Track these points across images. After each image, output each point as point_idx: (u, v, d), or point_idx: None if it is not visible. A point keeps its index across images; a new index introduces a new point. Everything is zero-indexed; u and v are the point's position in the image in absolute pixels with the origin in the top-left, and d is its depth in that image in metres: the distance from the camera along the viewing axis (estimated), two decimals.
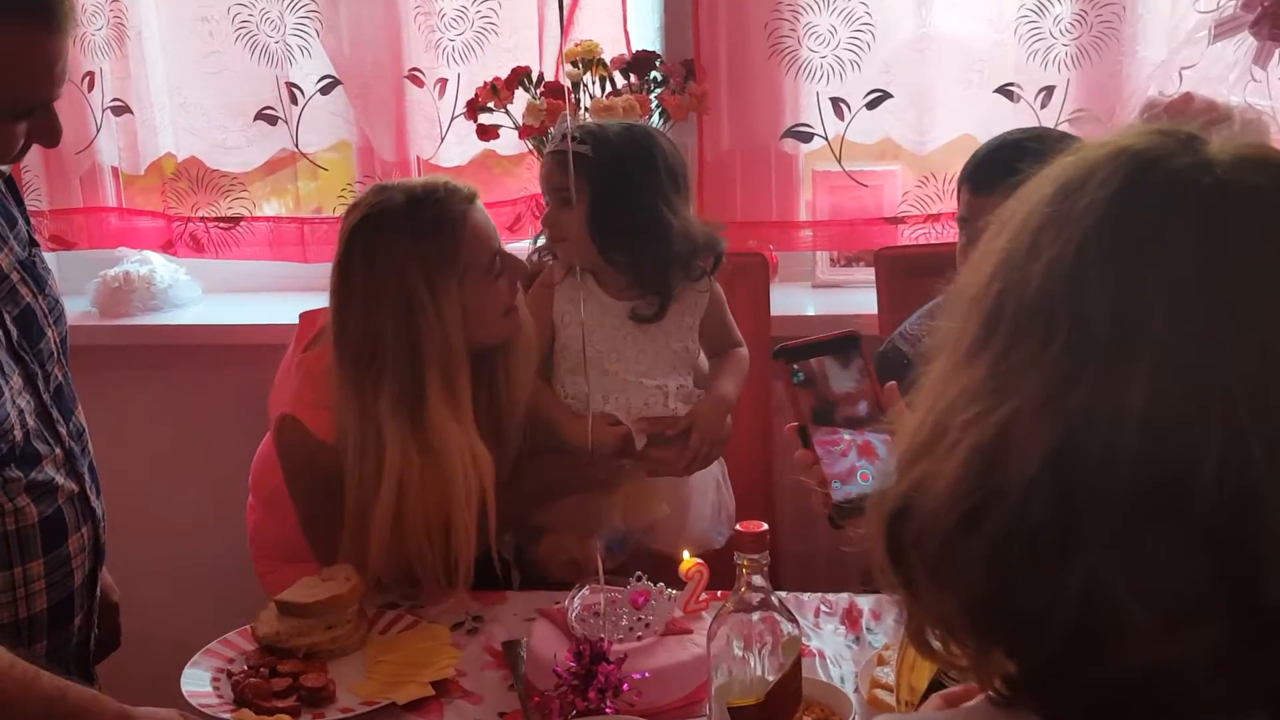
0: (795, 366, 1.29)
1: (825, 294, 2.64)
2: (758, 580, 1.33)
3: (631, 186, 1.96)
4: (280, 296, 2.73)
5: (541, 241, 2.11)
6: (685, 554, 1.69)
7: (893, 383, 1.28)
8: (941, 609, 0.77)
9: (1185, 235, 0.73)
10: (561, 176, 1.93)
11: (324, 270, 2.63)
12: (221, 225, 2.66)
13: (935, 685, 1.21)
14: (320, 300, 2.62)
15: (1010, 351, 0.75)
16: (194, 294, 2.73)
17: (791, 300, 2.57)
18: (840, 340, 1.32)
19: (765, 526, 1.34)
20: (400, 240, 1.77)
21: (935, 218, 2.54)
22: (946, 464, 0.75)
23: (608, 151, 1.96)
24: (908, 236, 2.54)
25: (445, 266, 1.78)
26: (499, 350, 1.91)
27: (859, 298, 2.55)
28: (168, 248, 2.70)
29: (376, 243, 1.78)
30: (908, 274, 2.37)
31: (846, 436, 1.28)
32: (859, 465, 1.27)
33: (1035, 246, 0.76)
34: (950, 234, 2.48)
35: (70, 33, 1.53)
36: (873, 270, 2.48)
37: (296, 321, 2.55)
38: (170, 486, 2.72)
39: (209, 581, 2.53)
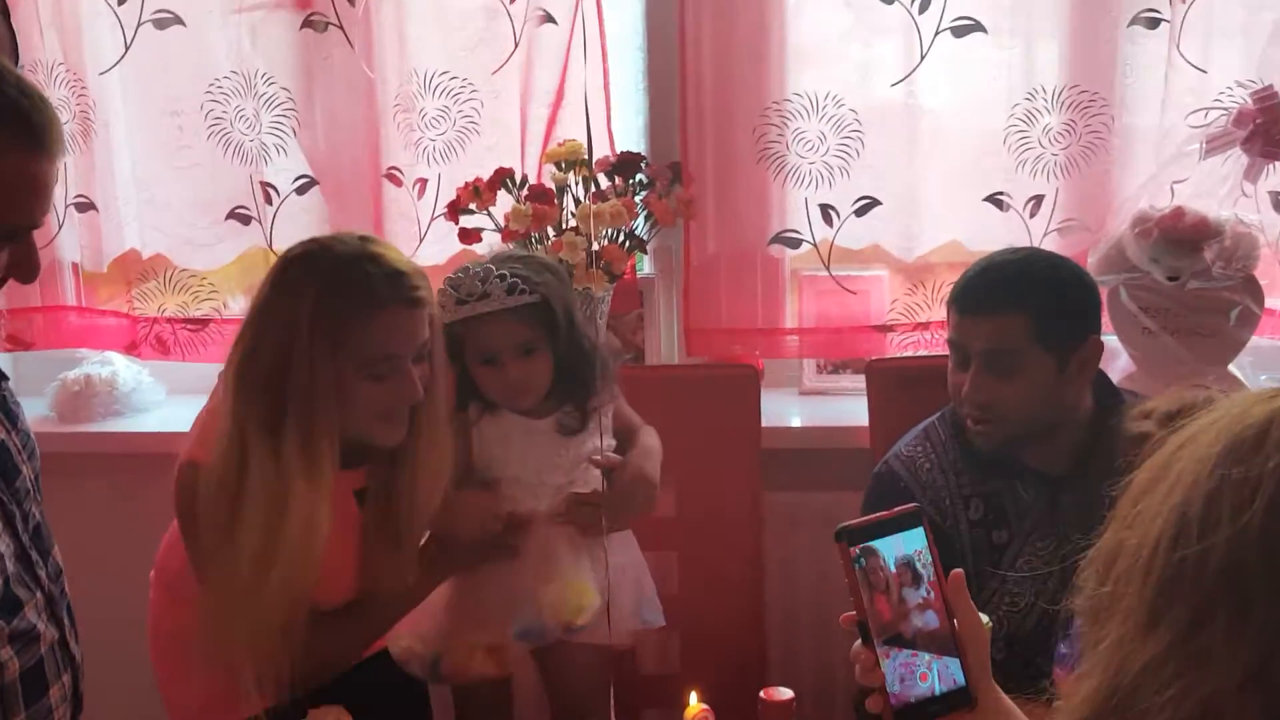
0: (856, 551, 1.23)
1: (812, 401, 2.68)
2: None
3: (573, 324, 2.03)
4: None
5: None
6: (692, 698, 1.70)
7: (958, 571, 1.27)
8: None
9: None
10: (524, 331, 1.97)
11: None
12: (189, 327, 2.66)
13: None
14: None
15: (1199, 624, 0.74)
16: (158, 397, 2.72)
17: (778, 408, 2.61)
18: (903, 518, 1.27)
19: (790, 694, 1.35)
20: (315, 279, 1.79)
21: (924, 326, 2.59)
22: None
23: (550, 294, 1.99)
24: (896, 344, 2.59)
25: (330, 330, 1.78)
26: (403, 455, 1.92)
27: (847, 406, 2.60)
28: (131, 349, 2.69)
29: (295, 269, 1.82)
30: (900, 386, 2.42)
31: (908, 649, 1.25)
32: (918, 665, 1.25)
33: (1212, 514, 0.75)
34: (940, 343, 2.53)
35: (59, 159, 1.55)
36: (861, 377, 2.52)
37: None
38: (134, 602, 2.67)
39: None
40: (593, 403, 2.04)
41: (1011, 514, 2.02)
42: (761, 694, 1.36)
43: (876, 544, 1.24)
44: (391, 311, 1.81)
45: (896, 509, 1.27)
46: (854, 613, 1.24)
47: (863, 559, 1.23)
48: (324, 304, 1.78)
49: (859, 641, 1.25)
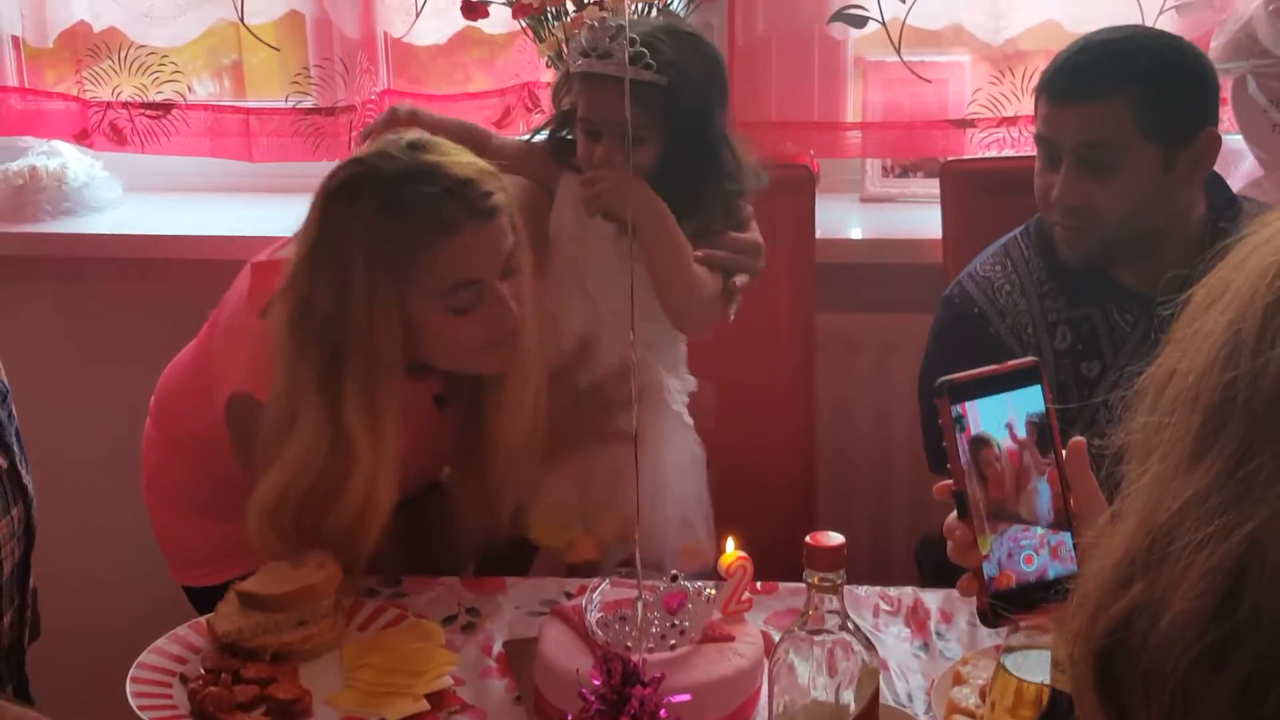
0: (960, 409, 1.17)
1: (876, 210, 2.62)
2: (831, 602, 1.31)
3: (707, 125, 1.96)
4: (219, 199, 2.68)
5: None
6: (729, 544, 1.68)
7: (1078, 440, 1.21)
8: None
9: None
10: (635, 113, 1.86)
11: (273, 170, 2.61)
12: (149, 113, 2.59)
13: None
14: (272, 214, 2.60)
15: (1247, 454, 0.72)
16: (114, 194, 2.67)
17: (835, 218, 2.54)
18: (1019, 373, 1.20)
19: (840, 539, 1.31)
20: (363, 215, 1.70)
21: (1012, 121, 2.50)
22: (1177, 590, 0.72)
23: (683, 81, 1.91)
24: (978, 143, 2.51)
25: (390, 267, 1.70)
26: (488, 387, 1.87)
27: (917, 216, 2.54)
28: (82, 138, 2.64)
29: (342, 202, 1.72)
30: (980, 192, 2.36)
31: (1018, 524, 1.19)
32: (1025, 544, 1.19)
33: (1268, 329, 0.73)
34: (1029, 142, 2.44)
35: None
36: (933, 182, 2.45)
37: (240, 232, 2.55)
38: (86, 425, 2.67)
39: (137, 543, 2.50)
40: (692, 224, 1.97)
41: (1105, 342, 1.97)
42: (808, 539, 1.32)
43: (984, 402, 1.18)
44: (465, 233, 1.71)
45: (1010, 363, 1.20)
46: (950, 482, 1.19)
47: (965, 419, 1.18)
48: (380, 240, 1.69)
49: (954, 514, 1.20)
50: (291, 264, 1.75)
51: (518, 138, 2.26)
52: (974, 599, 1.21)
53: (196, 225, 2.59)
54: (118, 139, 2.61)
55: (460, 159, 1.75)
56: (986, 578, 1.18)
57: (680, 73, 1.91)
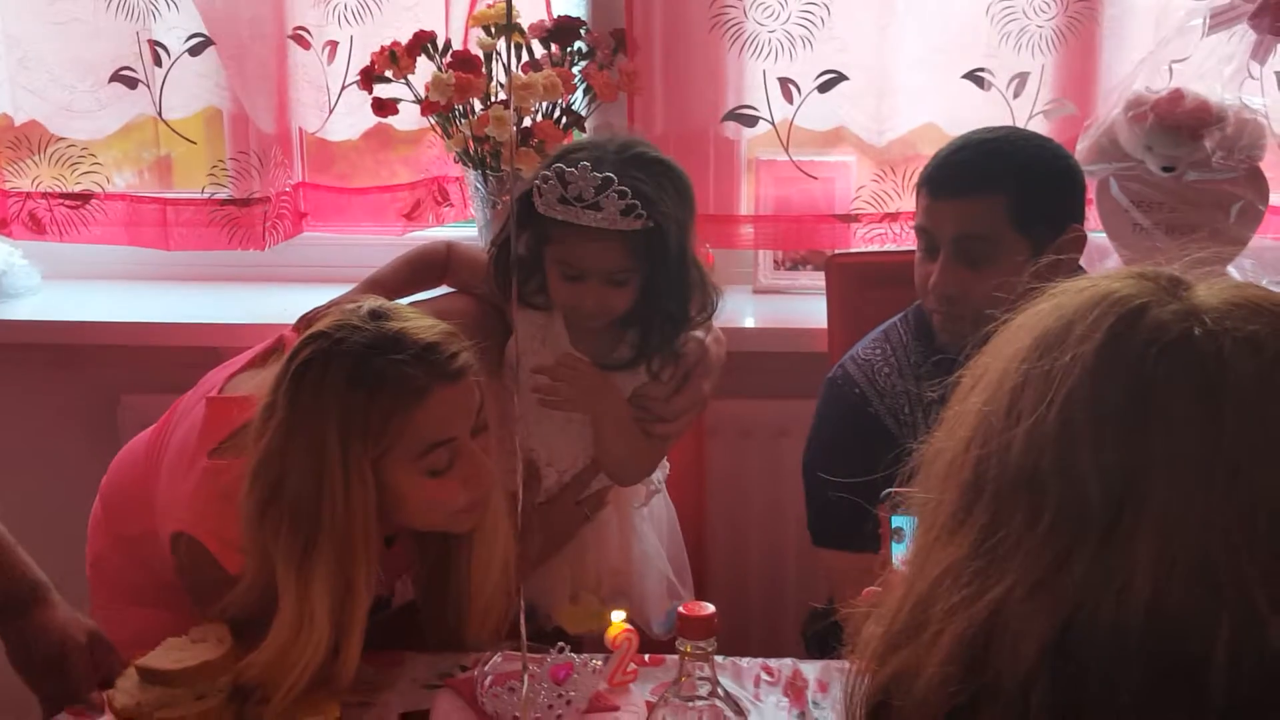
0: (900, 524, 1.20)
1: (768, 300, 2.66)
2: (703, 670, 1.34)
3: (684, 256, 1.95)
4: (135, 286, 2.69)
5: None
6: (615, 616, 1.70)
7: None
8: None
9: (1180, 395, 0.74)
10: (624, 259, 1.90)
11: (189, 259, 2.63)
12: (68, 203, 2.60)
13: None
14: (187, 300, 2.61)
15: (995, 527, 0.76)
16: (32, 281, 2.67)
17: (729, 307, 2.51)
18: None
19: (712, 609, 1.35)
20: (334, 389, 1.67)
21: (893, 217, 2.57)
22: (930, 656, 0.75)
23: (668, 222, 1.90)
24: (861, 237, 2.57)
25: (365, 438, 1.68)
26: (455, 544, 1.85)
27: (805, 306, 2.58)
28: (2, 228, 2.64)
29: (310, 379, 1.69)
30: (863, 284, 2.40)
31: None
32: None
33: (1014, 409, 0.77)
34: (910, 237, 2.51)
35: None
36: (821, 275, 2.50)
37: (156, 318, 2.56)
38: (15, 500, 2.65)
39: None
40: (662, 350, 1.99)
41: None
42: (681, 608, 1.35)
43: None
44: (435, 395, 1.69)
45: None
46: (878, 588, 1.22)
47: (903, 533, 1.20)
48: (352, 412, 1.66)
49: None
50: (259, 448, 1.71)
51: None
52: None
53: (113, 312, 2.59)
54: (36, 228, 2.61)
55: (422, 323, 1.74)
56: None
57: (664, 214, 1.89)
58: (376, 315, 1.73)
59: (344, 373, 1.68)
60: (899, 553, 1.21)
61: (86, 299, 2.65)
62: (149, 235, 2.60)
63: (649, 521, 2.16)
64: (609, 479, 2.07)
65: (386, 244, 2.59)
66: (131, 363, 2.59)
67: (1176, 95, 2.31)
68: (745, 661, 1.86)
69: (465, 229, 2.61)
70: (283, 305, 2.52)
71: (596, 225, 1.87)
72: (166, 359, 2.55)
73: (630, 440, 2.03)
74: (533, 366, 2.00)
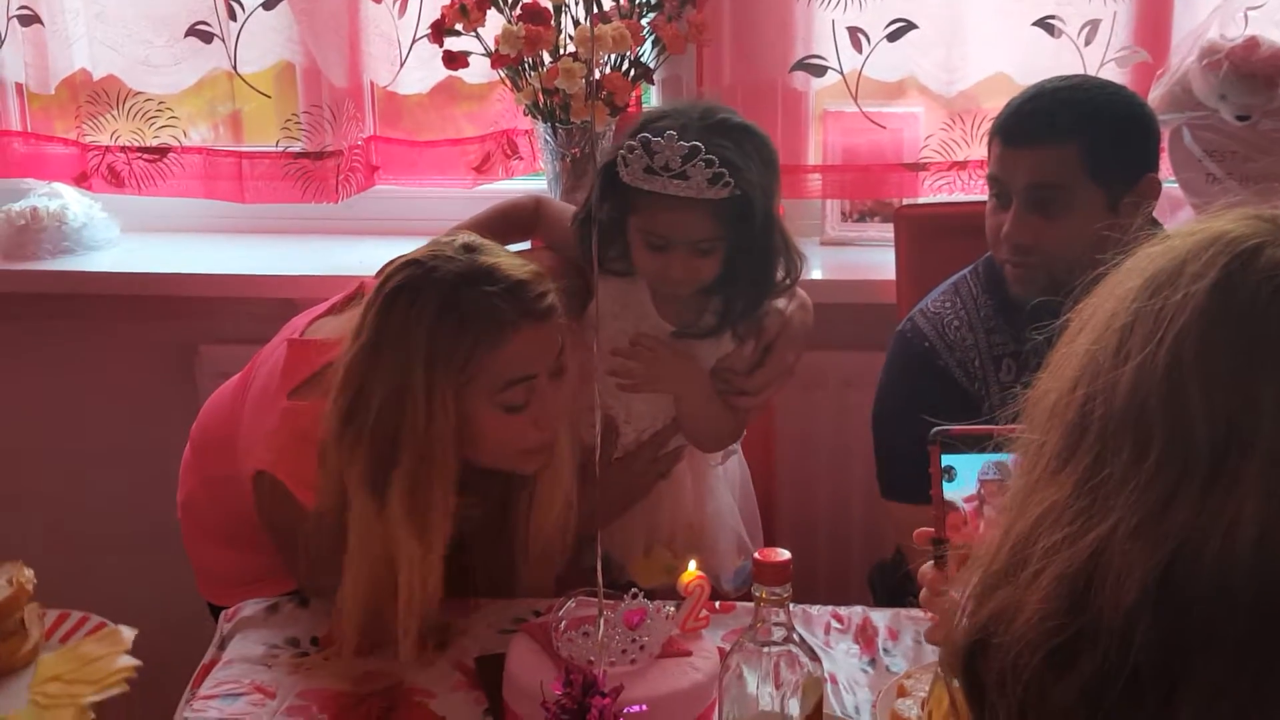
0: (951, 464, 1.18)
1: (835, 252, 2.65)
2: (778, 615, 1.34)
3: (770, 222, 1.93)
4: (212, 239, 2.71)
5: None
6: (692, 564, 1.70)
7: None
8: None
9: None
10: (710, 227, 1.88)
11: (264, 212, 2.65)
12: (146, 157, 2.62)
13: None
14: (261, 253, 2.63)
15: (1099, 466, 0.75)
16: (111, 234, 2.69)
17: None
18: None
19: (787, 555, 1.35)
20: (424, 316, 1.69)
21: (961, 165, 2.54)
22: (1030, 594, 0.75)
23: (754, 189, 1.88)
24: (929, 186, 2.55)
25: (449, 369, 1.69)
26: (518, 486, 1.86)
27: (873, 257, 2.56)
28: (81, 181, 2.66)
29: (401, 304, 1.70)
30: (931, 236, 2.38)
31: None
32: None
33: (1122, 348, 0.76)
34: (978, 186, 2.49)
35: None
36: (888, 227, 2.49)
37: (231, 270, 2.58)
38: (84, 454, 2.70)
39: (131, 560, 2.53)
40: (747, 317, 1.98)
41: None
42: (757, 555, 1.35)
43: (975, 457, 1.19)
44: (521, 332, 1.71)
45: (1007, 427, 1.20)
46: (930, 529, 1.21)
47: (954, 471, 1.18)
48: (440, 340, 1.68)
49: (930, 562, 1.22)
50: (344, 365, 1.73)
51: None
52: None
53: (189, 263, 2.61)
54: (115, 181, 2.63)
55: (514, 260, 1.75)
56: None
57: (750, 182, 1.87)
58: (470, 248, 1.74)
59: (434, 301, 1.69)
60: (950, 492, 1.19)
61: (164, 251, 2.67)
62: (225, 188, 2.62)
63: (724, 479, 2.16)
64: (689, 442, 2.08)
65: (457, 197, 2.60)
66: (209, 314, 2.62)
67: (1252, 43, 2.26)
68: (816, 609, 1.86)
69: (535, 181, 2.61)
70: (356, 257, 2.55)
71: (683, 195, 1.85)
72: (243, 310, 2.58)
73: (712, 413, 2.03)
74: (611, 349, 2.00)
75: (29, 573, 1.75)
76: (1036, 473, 0.79)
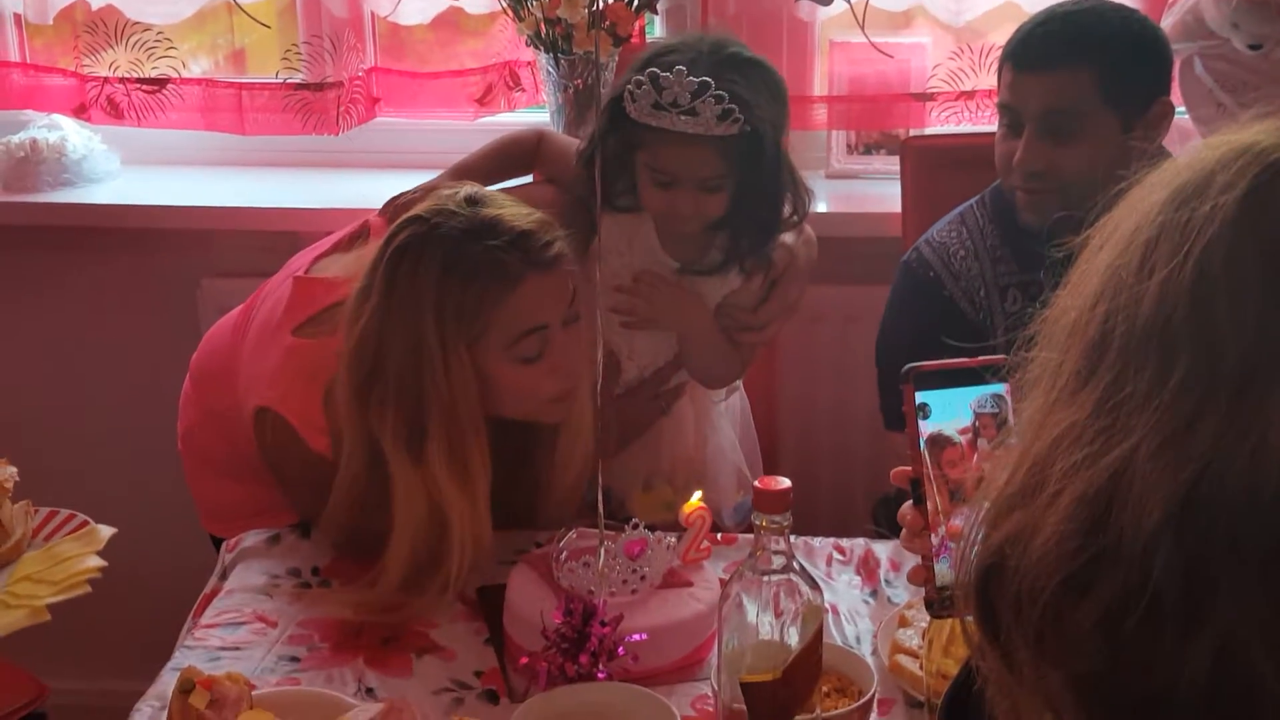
0: (925, 401, 1.16)
1: (841, 185, 2.61)
2: (777, 543, 1.33)
3: (779, 159, 1.91)
4: (213, 171, 2.68)
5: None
6: (696, 495, 1.70)
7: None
8: (1044, 685, 0.75)
9: None
10: (718, 165, 1.86)
11: (265, 145, 2.62)
12: (145, 88, 2.59)
13: (968, 673, 1.22)
14: (263, 186, 2.61)
15: (1120, 384, 0.73)
16: (111, 166, 2.66)
17: None
18: (986, 369, 1.16)
19: (788, 483, 1.33)
20: (430, 273, 1.67)
21: (969, 95, 2.51)
22: (1048, 516, 0.73)
23: (763, 125, 1.85)
24: (937, 116, 2.51)
25: (460, 324, 1.68)
26: (539, 437, 1.84)
27: (880, 190, 2.54)
28: (81, 112, 2.63)
29: (407, 263, 1.69)
30: (938, 167, 2.36)
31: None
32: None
33: (1147, 262, 0.74)
34: (987, 116, 2.46)
35: None
36: (895, 159, 2.46)
37: (233, 203, 2.56)
38: (84, 389, 2.69)
39: (132, 495, 2.52)
40: (753, 254, 1.97)
41: None
42: (757, 483, 1.34)
43: (948, 393, 1.17)
44: (529, 283, 1.69)
45: (979, 359, 1.18)
46: (908, 468, 1.19)
47: (928, 408, 1.16)
48: (448, 297, 1.67)
49: (910, 501, 1.21)
50: (358, 329, 1.72)
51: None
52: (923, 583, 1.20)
53: (190, 196, 2.59)
54: (114, 113, 2.60)
55: (518, 210, 1.73)
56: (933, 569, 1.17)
57: (760, 118, 1.84)
58: (472, 201, 1.72)
59: (440, 258, 1.67)
60: (931, 428, 1.17)
61: (165, 184, 2.64)
62: (225, 120, 2.59)
63: (727, 415, 2.15)
64: (696, 382, 2.06)
65: (459, 130, 2.57)
66: (211, 247, 2.60)
67: None
68: (818, 541, 1.86)
69: (537, 114, 2.58)
70: (358, 190, 2.52)
71: (692, 131, 1.82)
72: (245, 243, 2.56)
73: (716, 350, 2.02)
74: (614, 285, 1.97)
75: (11, 470, 1.74)
76: (1055, 393, 0.77)
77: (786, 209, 1.97)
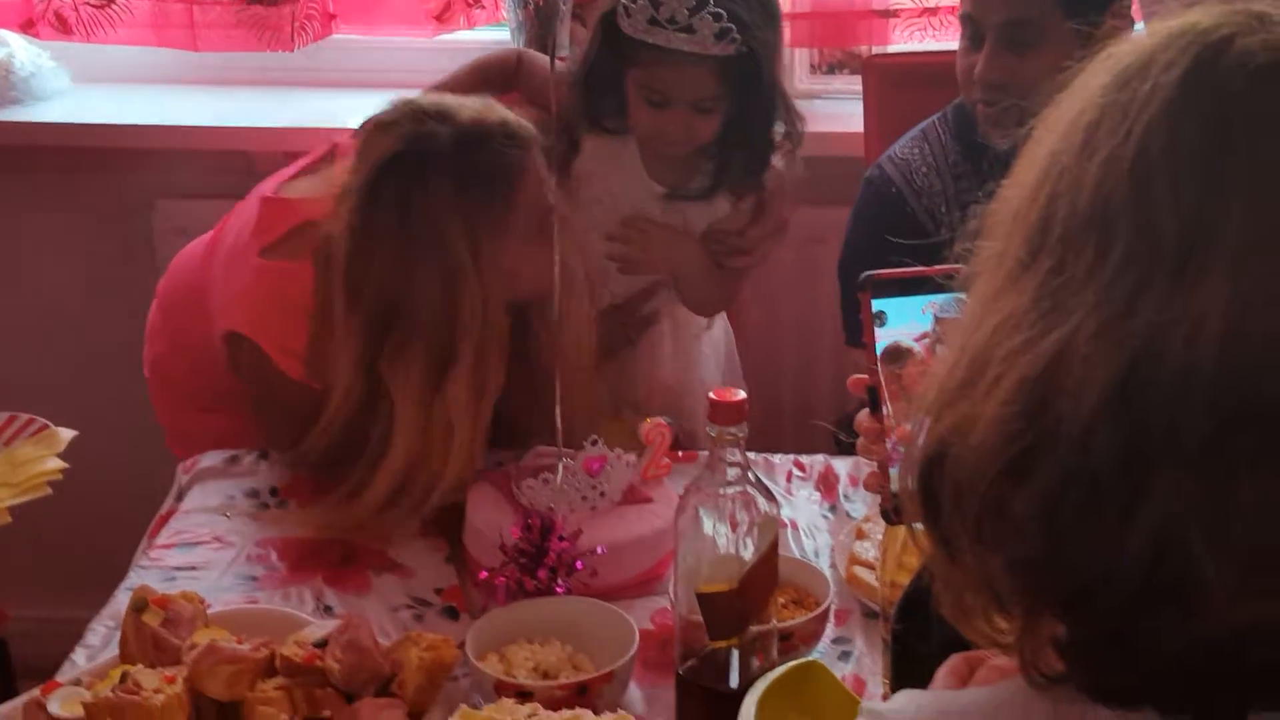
0: (882, 309, 1.16)
1: (803, 105, 2.55)
2: (733, 455, 1.33)
3: (773, 81, 1.89)
4: (167, 90, 2.64)
5: None
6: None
7: None
8: (985, 571, 0.75)
9: (1265, 120, 0.70)
10: (713, 85, 1.83)
11: (220, 63, 2.57)
12: (94, 2, 2.53)
13: (920, 581, 1.23)
14: (218, 105, 2.56)
15: (1061, 269, 0.72)
16: (61, 84, 2.61)
17: None
18: (946, 277, 1.17)
19: (743, 395, 1.33)
20: (444, 191, 1.65)
21: (933, 11, 2.50)
22: (988, 404, 0.72)
23: (760, 46, 1.83)
24: (901, 33, 2.50)
25: (493, 230, 1.66)
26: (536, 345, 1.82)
27: (843, 109, 2.52)
28: (28, 28, 2.57)
29: (416, 193, 1.66)
30: (900, 87, 2.35)
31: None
32: None
33: (1088, 145, 0.73)
34: (950, 33, 2.44)
35: None
36: (858, 80, 2.44)
37: (187, 122, 2.52)
38: (36, 311, 2.65)
39: (89, 412, 2.49)
40: (742, 180, 1.95)
41: None
42: (712, 394, 1.33)
43: (906, 301, 1.16)
44: (530, 167, 1.70)
45: (937, 267, 1.14)
46: (864, 376, 1.18)
47: (886, 315, 1.16)
48: (476, 213, 1.65)
49: (866, 410, 1.20)
50: (371, 287, 1.68)
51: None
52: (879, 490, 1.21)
53: (144, 115, 2.54)
54: (62, 28, 2.54)
55: (477, 104, 1.72)
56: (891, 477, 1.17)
57: (757, 38, 1.82)
58: (440, 116, 1.69)
59: (449, 178, 1.65)
60: (894, 335, 1.17)
61: (117, 103, 2.60)
62: (176, 36, 2.53)
63: (710, 345, 2.14)
64: (678, 313, 2.06)
65: (418, 47, 2.53)
66: (165, 167, 2.56)
67: None
68: (777, 458, 1.86)
69: (497, 31, 2.54)
70: (316, 109, 2.49)
71: (689, 50, 1.79)
72: (200, 163, 2.53)
73: (709, 281, 2.02)
74: (605, 234, 1.95)
75: None
76: (997, 282, 0.76)
77: (778, 134, 1.95)
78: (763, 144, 1.94)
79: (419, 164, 1.66)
